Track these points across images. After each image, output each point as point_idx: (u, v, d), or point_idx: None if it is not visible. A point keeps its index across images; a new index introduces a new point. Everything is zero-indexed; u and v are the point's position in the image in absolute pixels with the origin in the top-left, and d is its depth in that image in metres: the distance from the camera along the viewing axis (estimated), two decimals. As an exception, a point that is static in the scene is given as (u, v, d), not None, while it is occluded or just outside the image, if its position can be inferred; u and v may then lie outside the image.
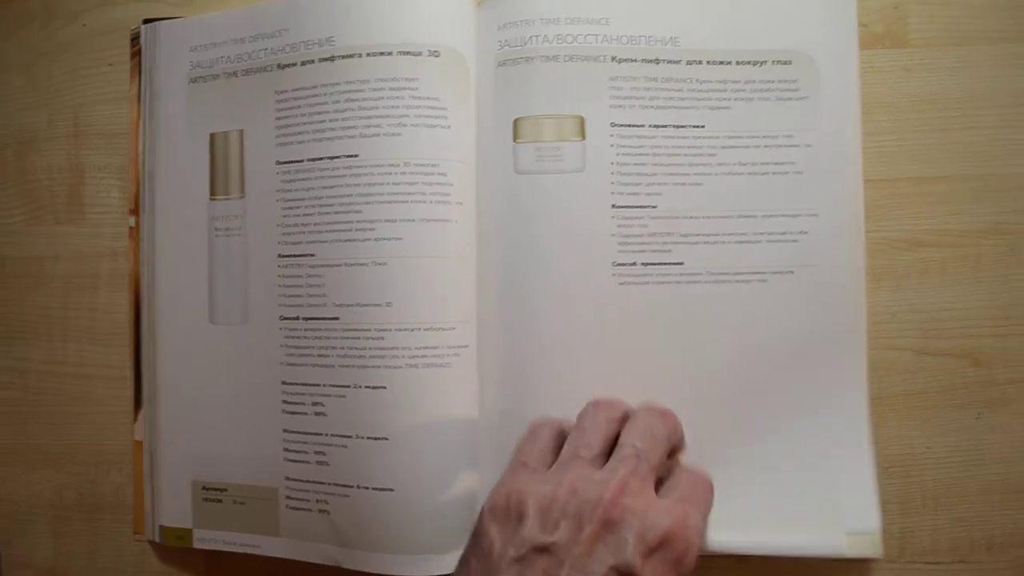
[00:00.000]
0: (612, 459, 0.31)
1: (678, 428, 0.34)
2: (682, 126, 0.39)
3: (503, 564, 0.28)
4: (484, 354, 0.39)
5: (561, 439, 0.34)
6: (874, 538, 0.38)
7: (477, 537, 0.31)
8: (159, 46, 0.43)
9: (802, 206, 0.39)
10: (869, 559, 0.39)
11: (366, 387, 0.38)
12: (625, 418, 0.34)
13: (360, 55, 0.39)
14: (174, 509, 0.42)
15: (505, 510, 0.30)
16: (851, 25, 0.39)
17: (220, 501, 0.42)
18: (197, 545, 0.42)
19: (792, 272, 0.38)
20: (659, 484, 0.32)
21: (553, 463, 0.33)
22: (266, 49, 0.41)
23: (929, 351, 0.40)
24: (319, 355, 0.39)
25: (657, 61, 0.39)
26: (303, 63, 0.40)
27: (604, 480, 0.30)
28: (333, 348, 0.39)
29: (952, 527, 0.39)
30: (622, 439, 0.32)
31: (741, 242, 0.39)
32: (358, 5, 0.39)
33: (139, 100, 0.43)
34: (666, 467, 0.33)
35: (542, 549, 0.28)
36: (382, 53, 0.39)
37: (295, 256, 0.40)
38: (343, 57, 0.39)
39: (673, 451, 0.34)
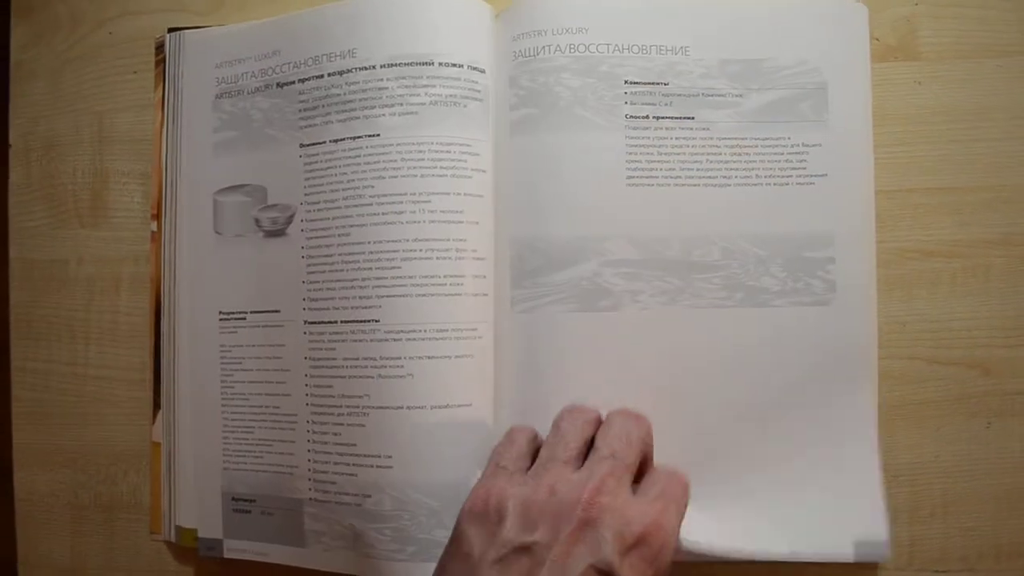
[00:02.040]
0: (589, 461, 0.32)
1: (651, 431, 0.34)
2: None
3: (484, 565, 0.29)
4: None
5: (537, 444, 0.35)
6: (881, 545, 0.38)
7: (456, 540, 0.31)
8: (183, 55, 0.44)
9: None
10: (877, 566, 0.39)
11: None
12: (599, 422, 0.34)
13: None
14: (192, 511, 0.43)
15: (484, 512, 0.30)
16: (863, 40, 0.40)
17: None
18: (227, 555, 0.42)
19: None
20: (635, 485, 0.33)
21: (530, 467, 0.33)
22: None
23: (940, 360, 0.40)
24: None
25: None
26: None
27: (581, 481, 0.30)
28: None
29: (961, 535, 0.40)
30: (597, 442, 0.33)
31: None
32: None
33: (163, 107, 0.44)
34: (641, 470, 0.34)
35: (522, 549, 0.28)
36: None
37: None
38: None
39: (646, 456, 0.34)
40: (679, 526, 0.31)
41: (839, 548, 0.38)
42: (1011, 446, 0.40)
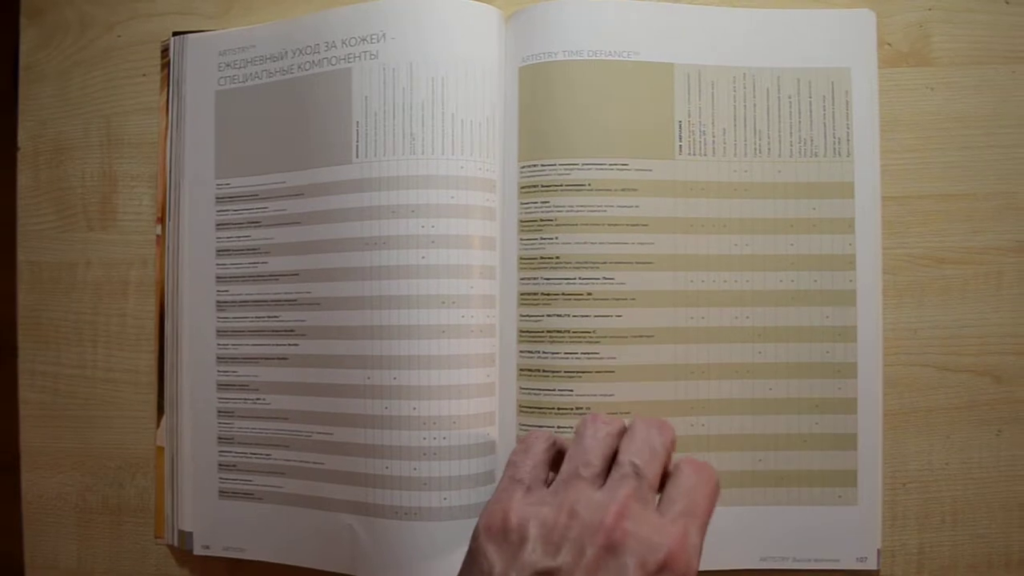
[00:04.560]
0: (611, 478, 0.31)
1: (675, 438, 0.34)
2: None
3: None
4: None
5: (555, 451, 0.34)
6: (873, 554, 0.39)
7: (475, 557, 0.30)
8: (187, 59, 0.44)
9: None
10: (876, 573, 0.39)
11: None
12: (623, 432, 0.33)
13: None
14: (194, 514, 0.43)
15: (503, 531, 0.30)
16: (871, 47, 0.40)
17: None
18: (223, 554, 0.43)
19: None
20: (661, 490, 0.32)
21: (547, 478, 0.33)
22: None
23: (950, 367, 0.40)
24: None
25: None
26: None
27: (604, 503, 0.30)
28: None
29: (971, 543, 0.40)
30: (620, 456, 0.32)
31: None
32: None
33: (167, 111, 0.44)
34: (666, 472, 0.33)
35: (544, 573, 0.28)
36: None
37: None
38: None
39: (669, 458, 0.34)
40: (702, 541, 0.31)
41: (830, 555, 0.39)
42: (1021, 454, 0.40)
